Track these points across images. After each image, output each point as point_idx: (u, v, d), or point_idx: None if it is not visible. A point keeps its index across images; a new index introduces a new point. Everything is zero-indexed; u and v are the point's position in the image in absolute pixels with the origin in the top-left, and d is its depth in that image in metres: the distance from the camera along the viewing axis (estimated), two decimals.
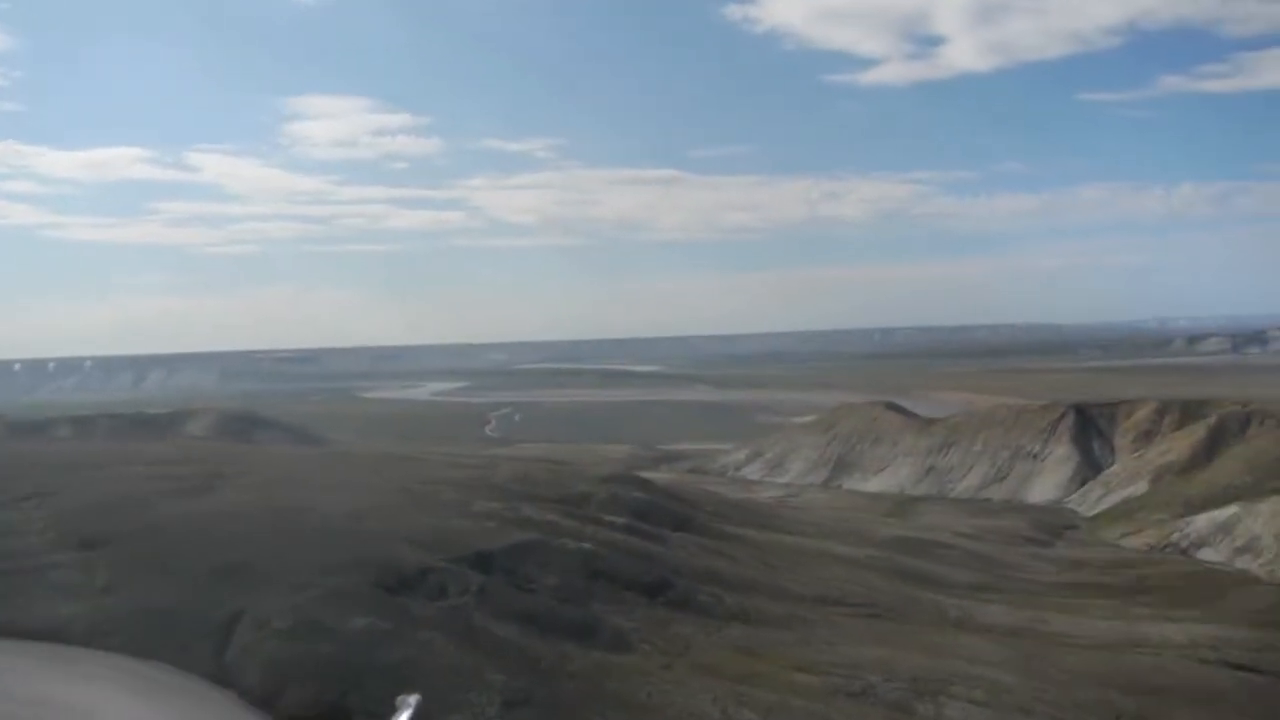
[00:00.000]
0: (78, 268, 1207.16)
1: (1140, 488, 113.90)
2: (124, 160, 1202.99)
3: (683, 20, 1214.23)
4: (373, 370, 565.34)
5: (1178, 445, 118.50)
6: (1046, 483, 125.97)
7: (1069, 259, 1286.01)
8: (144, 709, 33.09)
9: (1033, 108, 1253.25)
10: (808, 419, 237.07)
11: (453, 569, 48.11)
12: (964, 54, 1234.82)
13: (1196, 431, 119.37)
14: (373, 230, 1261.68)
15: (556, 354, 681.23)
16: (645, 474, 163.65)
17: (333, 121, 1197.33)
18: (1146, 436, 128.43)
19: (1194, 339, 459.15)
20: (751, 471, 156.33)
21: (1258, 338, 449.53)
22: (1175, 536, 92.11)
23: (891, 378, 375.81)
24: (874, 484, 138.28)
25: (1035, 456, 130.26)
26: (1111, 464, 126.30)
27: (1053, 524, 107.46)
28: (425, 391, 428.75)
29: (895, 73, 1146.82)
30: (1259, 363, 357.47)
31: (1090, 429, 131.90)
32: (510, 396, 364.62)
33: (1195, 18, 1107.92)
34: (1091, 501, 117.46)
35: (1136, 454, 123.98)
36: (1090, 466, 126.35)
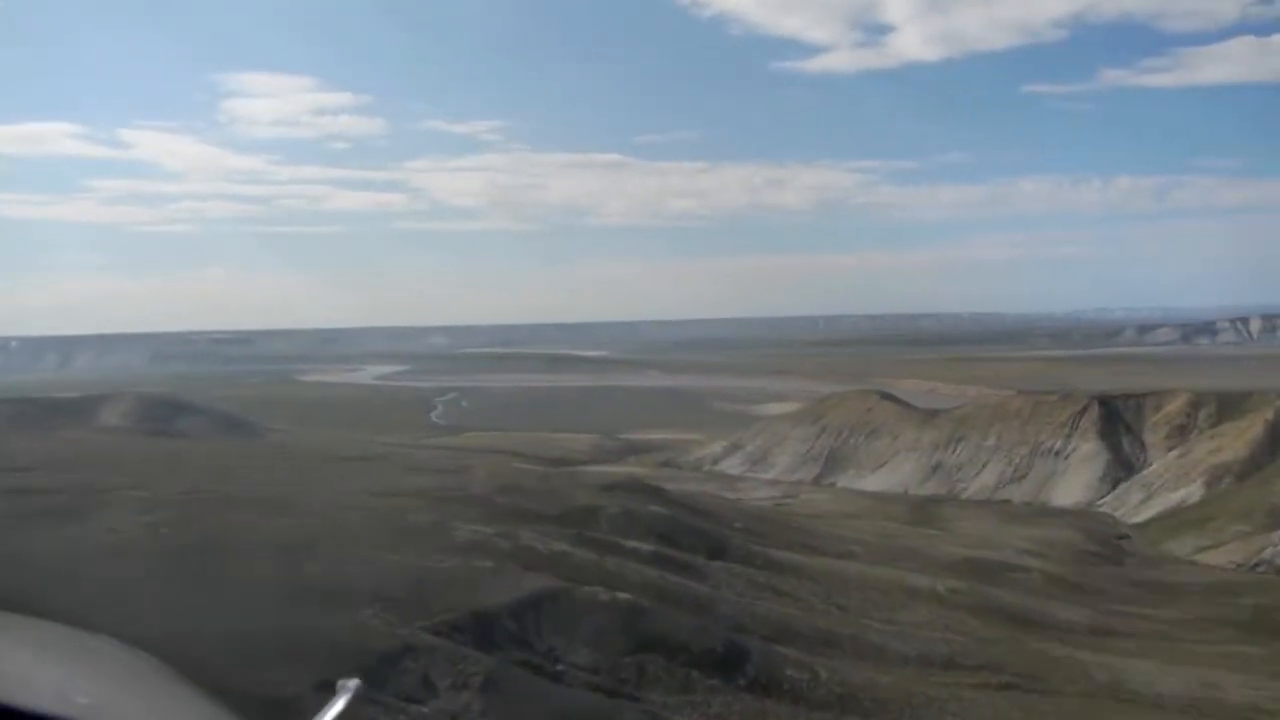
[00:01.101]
0: (7, 246, 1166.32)
1: (1194, 492, 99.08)
2: (56, 136, 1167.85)
3: (631, 3, 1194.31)
4: (311, 353, 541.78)
5: (1231, 443, 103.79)
6: (1073, 483, 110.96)
7: (1009, 250, 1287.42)
8: None
9: (978, 98, 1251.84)
10: (788, 408, 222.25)
11: (442, 644, 31.31)
12: (912, 43, 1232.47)
13: (1251, 427, 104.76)
14: (313, 211, 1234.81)
15: (499, 338, 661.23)
16: (612, 467, 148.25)
17: (272, 100, 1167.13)
18: (1181, 431, 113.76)
19: (1144, 329, 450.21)
20: (731, 466, 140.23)
21: (1207, 328, 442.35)
22: (1268, 552, 77.13)
23: (848, 365, 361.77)
24: (872, 482, 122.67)
25: (1057, 453, 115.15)
26: (1145, 462, 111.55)
27: (1102, 534, 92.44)
28: (366, 375, 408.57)
29: (843, 61, 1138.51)
30: (1217, 353, 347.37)
31: (1116, 423, 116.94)
32: (455, 381, 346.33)
33: (1139, 12, 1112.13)
34: (1132, 506, 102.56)
35: (1178, 452, 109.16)
36: (1121, 465, 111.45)
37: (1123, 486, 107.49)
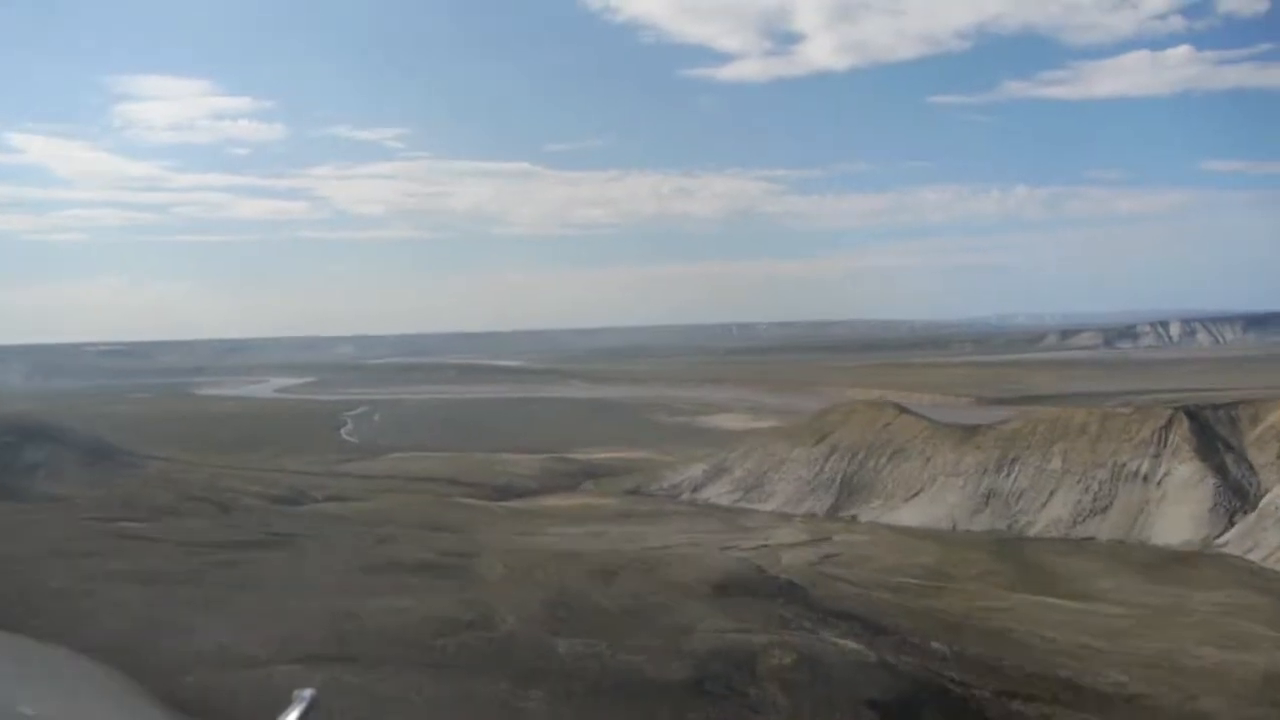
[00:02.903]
0: None
1: None
2: None
3: (541, 7, 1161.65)
4: (209, 364, 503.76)
5: None
6: (1176, 516, 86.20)
7: (912, 258, 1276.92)
8: None
9: (884, 108, 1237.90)
10: (742, 420, 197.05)
11: None
12: (822, 52, 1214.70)
13: None
14: (211, 219, 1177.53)
15: (406, 347, 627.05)
16: (572, 498, 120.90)
17: (168, 104, 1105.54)
18: None
19: (1067, 334, 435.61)
20: (718, 494, 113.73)
21: (1128, 333, 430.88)
22: None
23: (782, 372, 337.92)
24: (908, 514, 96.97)
25: (1145, 478, 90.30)
26: (1258, 487, 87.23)
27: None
28: (268, 388, 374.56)
29: (753, 69, 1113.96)
30: (1155, 356, 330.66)
31: (1212, 439, 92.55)
32: (364, 393, 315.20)
33: (1041, 24, 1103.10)
34: (1271, 547, 78.03)
35: None
36: (1233, 492, 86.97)
37: (1247, 521, 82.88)
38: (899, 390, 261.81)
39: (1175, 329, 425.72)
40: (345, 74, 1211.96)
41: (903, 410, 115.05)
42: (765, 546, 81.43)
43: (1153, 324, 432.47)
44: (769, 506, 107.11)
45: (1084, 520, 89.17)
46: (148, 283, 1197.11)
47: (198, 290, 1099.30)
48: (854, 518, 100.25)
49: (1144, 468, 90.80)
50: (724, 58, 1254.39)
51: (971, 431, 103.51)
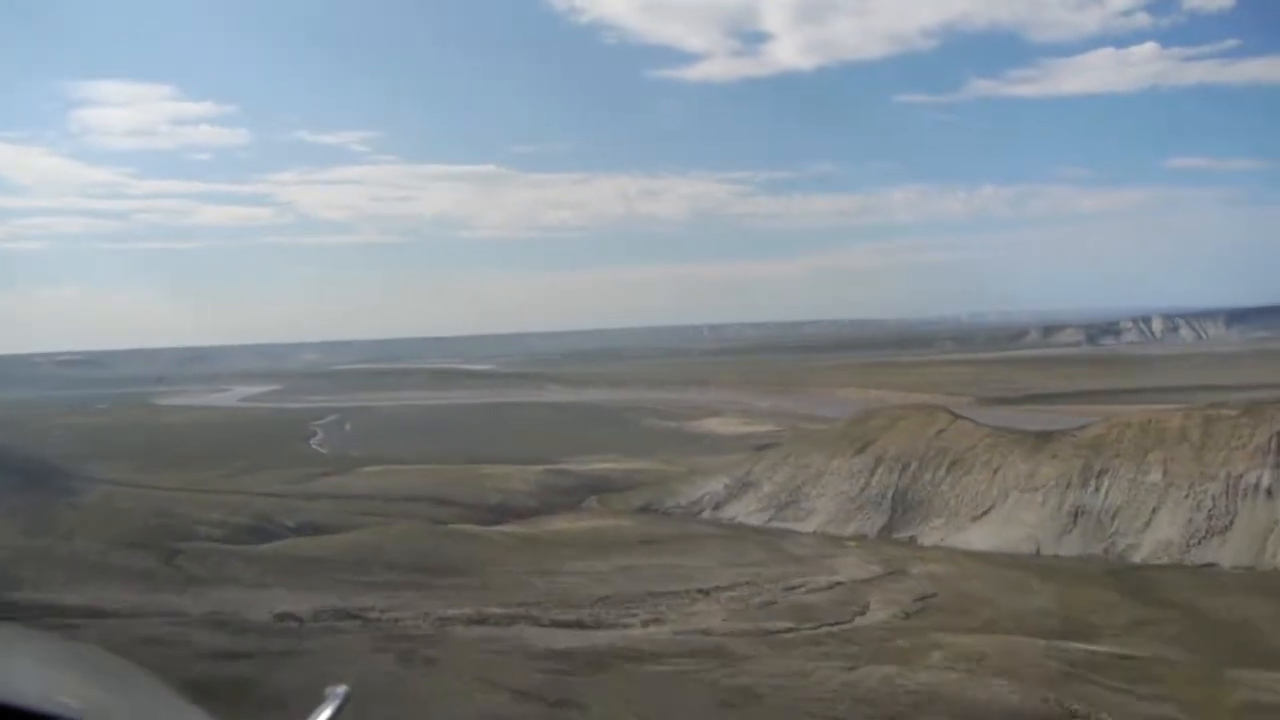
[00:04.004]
0: None
1: None
2: None
3: (505, 8, 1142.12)
4: (172, 373, 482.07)
5: None
6: None
7: (880, 258, 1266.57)
8: None
9: (851, 108, 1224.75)
10: (735, 425, 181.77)
11: None
12: (788, 52, 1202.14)
13: None
14: (173, 227, 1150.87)
15: (374, 353, 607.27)
16: (577, 519, 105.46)
17: (128, 109, 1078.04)
18: None
19: (1048, 330, 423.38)
20: (746, 512, 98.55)
21: (1110, 329, 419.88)
22: None
23: (764, 373, 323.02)
24: (978, 536, 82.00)
25: (1269, 492, 75.69)
26: None
27: None
28: (233, 396, 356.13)
29: (720, 69, 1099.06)
30: (1146, 352, 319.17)
31: None
32: (333, 401, 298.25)
33: (1007, 22, 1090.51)
34: None
35: None
36: None
37: None
38: (893, 390, 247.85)
39: (1157, 324, 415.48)
40: (309, 77, 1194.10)
41: (956, 415, 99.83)
42: (838, 584, 66.14)
43: (1134, 320, 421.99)
44: (809, 527, 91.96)
45: (1199, 543, 74.45)
46: (109, 291, 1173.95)
47: (160, 298, 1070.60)
48: (913, 540, 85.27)
49: (1265, 480, 76.14)
50: (690, 58, 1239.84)
51: (1044, 439, 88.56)
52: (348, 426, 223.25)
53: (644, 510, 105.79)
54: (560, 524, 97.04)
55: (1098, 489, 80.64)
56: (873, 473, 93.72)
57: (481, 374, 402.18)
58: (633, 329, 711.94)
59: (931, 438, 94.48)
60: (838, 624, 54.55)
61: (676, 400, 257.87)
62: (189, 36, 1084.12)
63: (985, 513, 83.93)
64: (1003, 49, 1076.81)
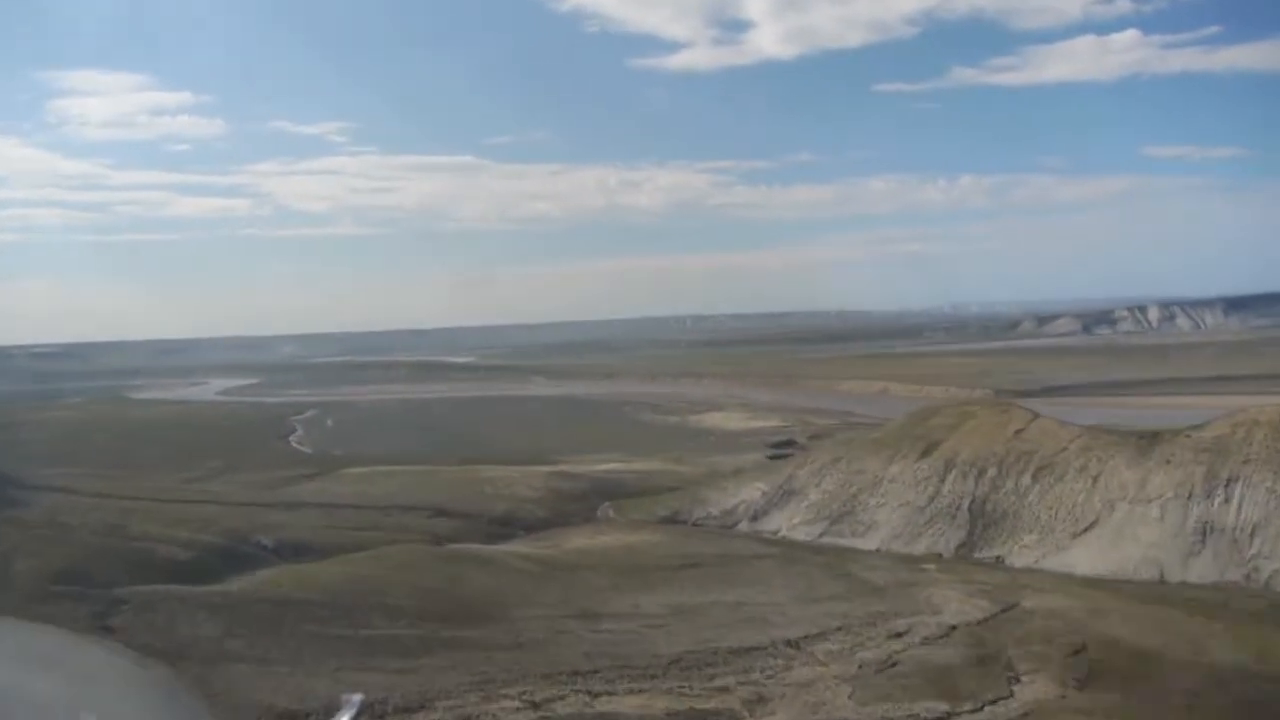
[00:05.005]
0: None
1: None
2: None
3: None
4: (148, 366, 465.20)
5: None
6: None
7: (859, 248, 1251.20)
8: None
9: (831, 97, 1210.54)
10: (737, 419, 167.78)
11: None
12: (770, 40, 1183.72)
13: None
14: (150, 218, 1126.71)
15: (353, 345, 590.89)
16: (591, 531, 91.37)
17: (105, 99, 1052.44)
18: None
19: (1042, 320, 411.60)
20: (791, 524, 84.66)
21: (1105, 318, 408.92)
22: None
23: (758, 365, 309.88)
24: (1082, 557, 68.25)
25: None
26: None
27: None
28: (209, 390, 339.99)
29: (701, 58, 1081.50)
30: (1153, 342, 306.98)
31: None
32: (312, 395, 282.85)
33: (989, 9, 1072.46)
34: None
35: None
36: None
37: None
38: (901, 382, 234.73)
39: (1154, 313, 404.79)
40: (287, 68, 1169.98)
41: (1035, 413, 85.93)
42: (952, 629, 52.26)
43: (1130, 308, 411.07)
44: (870, 543, 78.13)
45: None
46: (86, 283, 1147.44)
47: (137, 290, 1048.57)
48: (1000, 560, 71.58)
49: None
50: (671, 47, 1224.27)
51: (1151, 440, 74.75)
52: (329, 422, 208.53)
53: (670, 521, 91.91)
54: (579, 539, 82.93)
55: (1228, 500, 67.02)
56: (943, 480, 79.95)
57: (463, 367, 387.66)
58: (613, 320, 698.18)
59: (1010, 439, 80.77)
60: (998, 701, 40.77)
61: (671, 393, 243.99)
62: (166, 26, 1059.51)
63: (1088, 529, 70.23)
64: (985, 36, 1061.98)
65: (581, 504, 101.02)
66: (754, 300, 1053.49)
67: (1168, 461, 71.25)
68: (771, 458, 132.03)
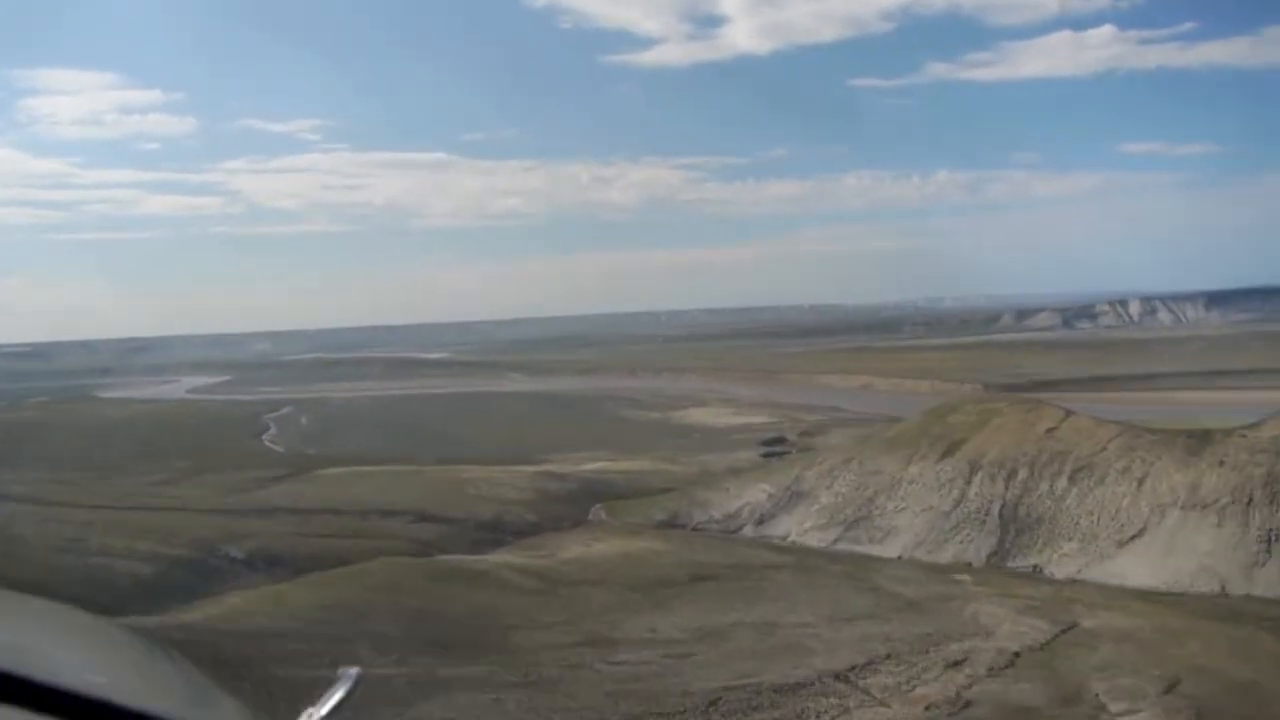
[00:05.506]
0: None
1: None
2: None
3: None
4: (118, 364, 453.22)
5: None
6: None
7: (833, 244, 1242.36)
8: None
9: (806, 93, 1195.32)
10: (721, 415, 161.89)
11: None
12: (744, 35, 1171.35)
13: None
14: (121, 217, 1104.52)
15: (326, 342, 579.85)
16: (586, 537, 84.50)
17: (73, 97, 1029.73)
18: None
19: (1023, 314, 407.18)
20: (801, 529, 78.09)
21: (1086, 312, 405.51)
22: None
23: (738, 360, 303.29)
24: (1131, 567, 61.91)
25: None
26: None
27: None
28: (180, 388, 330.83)
29: (675, 54, 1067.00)
30: (1141, 336, 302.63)
31: None
32: (286, 392, 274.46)
33: (965, 4, 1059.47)
34: None
35: None
36: None
37: None
38: (884, 376, 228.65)
39: (1135, 308, 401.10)
40: (258, 65, 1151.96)
41: (1067, 411, 79.59)
42: (1015, 655, 45.70)
43: (1111, 303, 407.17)
44: (892, 551, 71.63)
45: None
46: (55, 282, 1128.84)
47: (107, 289, 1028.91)
48: (1038, 570, 65.23)
49: None
50: (644, 42, 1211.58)
51: (1201, 439, 68.51)
52: (303, 420, 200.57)
53: (669, 525, 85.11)
54: (575, 547, 76.01)
55: None
56: (968, 481, 73.48)
57: (437, 363, 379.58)
58: (586, 316, 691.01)
59: (1041, 437, 74.39)
60: None
61: (651, 389, 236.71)
62: (136, 24, 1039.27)
63: (1135, 536, 63.88)
64: (961, 32, 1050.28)
65: (571, 506, 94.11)
66: (727, 295, 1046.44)
67: (1221, 463, 64.97)
68: (765, 455, 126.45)
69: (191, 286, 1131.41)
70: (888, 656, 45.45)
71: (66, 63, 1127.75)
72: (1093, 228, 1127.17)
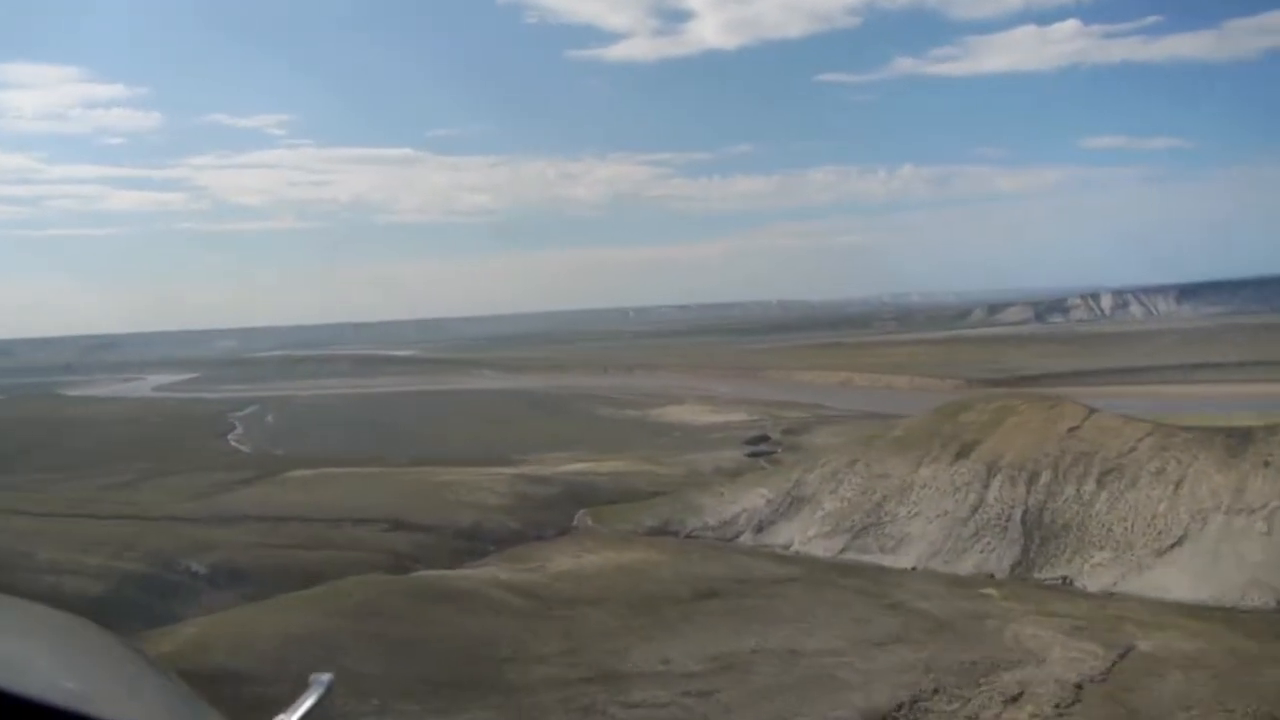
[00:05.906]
0: None
1: None
2: None
3: None
4: (81, 362, 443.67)
5: None
6: None
7: (799, 239, 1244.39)
8: None
9: (772, 88, 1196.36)
10: (702, 413, 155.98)
11: None
12: (710, 30, 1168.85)
13: None
14: (85, 212, 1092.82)
15: (292, 339, 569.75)
16: (574, 548, 78.39)
17: (37, 92, 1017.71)
18: None
19: (994, 309, 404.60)
20: (805, 537, 72.31)
21: (1058, 306, 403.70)
22: None
23: (711, 356, 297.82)
24: (1172, 579, 56.47)
25: None
26: None
27: None
28: (146, 386, 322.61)
29: (641, 49, 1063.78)
30: (1114, 330, 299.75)
31: None
32: (252, 390, 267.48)
33: None
34: None
35: None
36: None
37: None
38: (861, 372, 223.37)
39: (1107, 301, 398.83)
40: (223, 60, 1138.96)
41: (1090, 408, 74.12)
42: (1078, 688, 40.05)
43: (1083, 296, 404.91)
44: (906, 561, 65.99)
45: None
46: (19, 279, 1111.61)
47: (72, 286, 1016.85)
48: (1068, 581, 59.72)
49: None
50: (611, 37, 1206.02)
51: (1243, 439, 63.19)
52: (270, 419, 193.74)
53: (661, 533, 79.16)
54: (564, 559, 69.87)
55: None
56: (986, 485, 67.97)
57: (405, 360, 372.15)
58: (553, 313, 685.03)
59: (1063, 437, 68.92)
60: None
61: (626, 386, 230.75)
62: (98, 16, 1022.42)
63: (1175, 545, 58.49)
64: (926, 26, 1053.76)
65: (554, 512, 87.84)
66: (695, 291, 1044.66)
67: (1266, 464, 59.68)
68: (751, 454, 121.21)
69: (157, 283, 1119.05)
70: (935, 691, 39.73)
71: (29, 57, 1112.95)
72: (1059, 222, 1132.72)
